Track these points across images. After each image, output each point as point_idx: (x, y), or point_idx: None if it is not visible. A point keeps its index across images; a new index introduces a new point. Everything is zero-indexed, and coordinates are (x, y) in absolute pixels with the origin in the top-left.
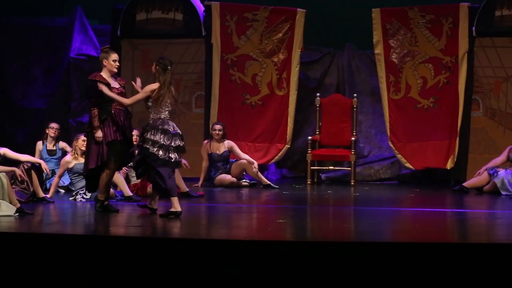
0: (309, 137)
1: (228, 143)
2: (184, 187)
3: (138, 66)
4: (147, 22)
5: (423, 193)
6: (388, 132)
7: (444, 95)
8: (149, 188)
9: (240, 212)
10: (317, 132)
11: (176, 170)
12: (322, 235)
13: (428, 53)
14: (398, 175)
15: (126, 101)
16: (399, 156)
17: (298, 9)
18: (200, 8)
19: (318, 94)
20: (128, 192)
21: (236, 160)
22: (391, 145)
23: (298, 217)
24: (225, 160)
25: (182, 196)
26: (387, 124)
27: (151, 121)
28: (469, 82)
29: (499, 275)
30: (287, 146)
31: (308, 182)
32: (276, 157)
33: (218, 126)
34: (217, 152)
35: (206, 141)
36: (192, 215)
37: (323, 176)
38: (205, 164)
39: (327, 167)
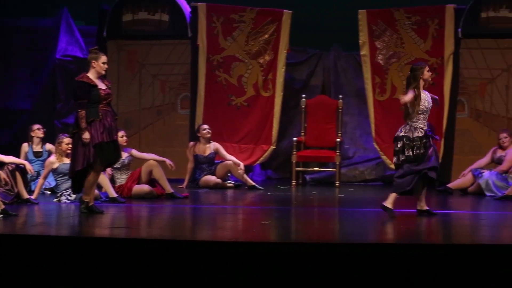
0: (294, 139)
1: (214, 145)
2: (168, 188)
3: (124, 67)
4: (133, 23)
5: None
6: (373, 133)
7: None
8: (136, 189)
9: (225, 213)
10: (302, 134)
11: (161, 171)
12: (306, 237)
13: (414, 55)
14: (383, 176)
15: None
16: (384, 157)
17: (284, 10)
18: (187, 9)
19: (303, 95)
20: (113, 193)
21: (221, 161)
22: (376, 146)
23: (283, 218)
24: (211, 162)
25: (167, 197)
26: (372, 126)
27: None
28: (454, 83)
29: (482, 276)
30: (272, 147)
31: (293, 183)
32: (261, 158)
33: (206, 126)
34: (203, 154)
35: (192, 143)
36: (177, 217)
37: (308, 177)
38: (190, 165)
39: (312, 168)
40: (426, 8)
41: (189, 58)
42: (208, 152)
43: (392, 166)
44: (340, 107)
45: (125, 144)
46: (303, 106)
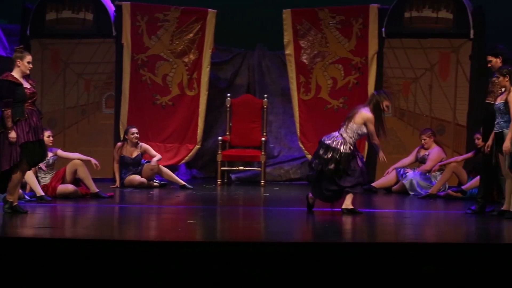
0: (220, 138)
1: (141, 146)
2: (94, 188)
3: (47, 66)
4: (57, 21)
5: None
6: (298, 133)
7: (354, 96)
8: (60, 189)
9: (151, 212)
10: (228, 133)
11: (86, 170)
12: (232, 236)
13: (338, 54)
14: (308, 175)
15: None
16: (309, 156)
17: (209, 9)
18: (111, 8)
19: (228, 94)
20: (40, 191)
21: (148, 162)
22: (301, 145)
23: (208, 217)
24: (137, 164)
25: (92, 196)
26: (297, 125)
27: None
28: (378, 82)
29: (406, 274)
30: (198, 146)
31: (219, 182)
32: (187, 158)
33: (134, 130)
34: (130, 156)
35: (119, 144)
36: (102, 216)
37: (233, 176)
38: (116, 165)
39: (237, 167)
40: (350, 7)
41: (113, 57)
42: (135, 154)
43: None
44: (265, 106)
45: (51, 144)
46: (228, 105)
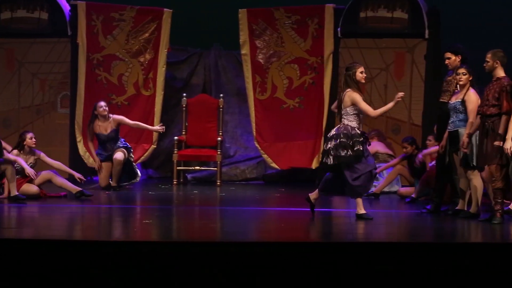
0: (175, 137)
1: (113, 119)
2: (74, 188)
3: (2, 66)
4: (11, 21)
5: (288, 192)
6: (254, 132)
7: (310, 96)
8: (24, 187)
9: (106, 213)
10: (184, 132)
11: (61, 179)
12: (188, 235)
13: (294, 54)
14: (264, 175)
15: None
16: (265, 156)
17: (164, 9)
18: (66, 7)
19: (184, 94)
20: (15, 191)
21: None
22: (257, 145)
23: (164, 217)
24: (113, 139)
25: (75, 196)
26: (253, 124)
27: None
28: (334, 82)
29: (360, 273)
30: (153, 146)
31: (174, 182)
32: (142, 157)
33: (102, 103)
34: (104, 132)
35: (88, 123)
36: (56, 217)
37: (189, 176)
38: (89, 143)
39: (193, 167)
40: (306, 7)
41: (69, 56)
42: (109, 129)
43: (273, 164)
44: (221, 106)
45: (34, 146)
46: (184, 105)
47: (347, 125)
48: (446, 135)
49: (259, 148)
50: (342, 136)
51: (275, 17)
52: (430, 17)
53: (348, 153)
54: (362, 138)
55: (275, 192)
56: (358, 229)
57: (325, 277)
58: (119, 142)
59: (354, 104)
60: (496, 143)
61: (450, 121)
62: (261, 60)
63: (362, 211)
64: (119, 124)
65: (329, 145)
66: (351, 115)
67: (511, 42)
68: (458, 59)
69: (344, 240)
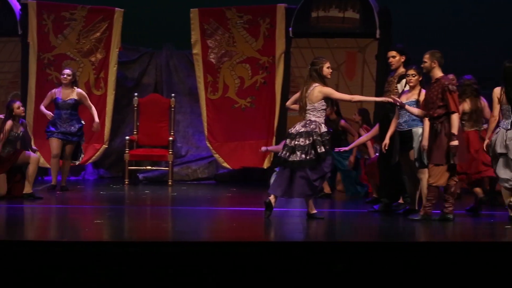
0: (127, 137)
1: (78, 92)
2: (29, 189)
3: None
4: None
5: (240, 192)
6: (206, 132)
7: (261, 95)
8: None
9: (56, 213)
10: (135, 132)
11: (36, 170)
12: (139, 235)
13: (246, 54)
14: (215, 174)
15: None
16: (216, 155)
17: (116, 8)
18: (16, 6)
19: (136, 94)
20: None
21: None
22: (208, 145)
23: (116, 217)
24: (71, 108)
25: (24, 197)
26: (205, 124)
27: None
28: (285, 82)
29: (312, 273)
30: (105, 146)
31: (126, 182)
32: (94, 157)
33: (66, 71)
34: (64, 98)
35: (54, 90)
36: (3, 217)
37: (140, 176)
38: (42, 106)
39: (145, 167)
40: (258, 7)
41: (19, 56)
42: (70, 96)
43: (225, 164)
44: (173, 105)
45: (23, 115)
46: (135, 105)
47: (315, 121)
48: (389, 134)
49: (211, 147)
50: (314, 135)
51: (227, 16)
52: (381, 17)
53: (319, 152)
54: (329, 136)
55: (226, 192)
56: (309, 229)
57: (276, 277)
58: (75, 123)
59: (324, 99)
60: (453, 143)
61: (402, 121)
62: (212, 60)
63: (313, 210)
64: (80, 99)
65: (296, 142)
66: (319, 110)
67: (462, 41)
68: (402, 59)
69: (295, 239)
